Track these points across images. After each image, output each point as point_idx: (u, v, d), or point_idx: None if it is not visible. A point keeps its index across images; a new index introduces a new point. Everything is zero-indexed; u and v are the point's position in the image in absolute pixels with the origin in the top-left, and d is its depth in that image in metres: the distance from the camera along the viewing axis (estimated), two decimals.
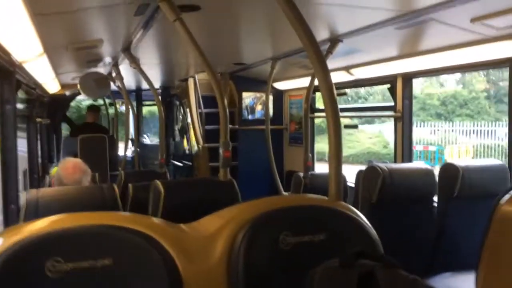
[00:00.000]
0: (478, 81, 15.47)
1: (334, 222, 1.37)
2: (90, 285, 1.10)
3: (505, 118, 11.84)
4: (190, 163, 6.09)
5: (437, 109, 15.65)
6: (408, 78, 3.46)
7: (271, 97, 5.27)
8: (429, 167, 2.61)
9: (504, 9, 2.09)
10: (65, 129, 8.08)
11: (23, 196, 1.88)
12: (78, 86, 4.78)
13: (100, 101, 7.92)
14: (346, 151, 13.45)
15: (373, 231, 1.39)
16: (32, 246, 1.07)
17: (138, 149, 6.59)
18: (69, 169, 2.46)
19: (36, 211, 1.82)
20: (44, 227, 1.13)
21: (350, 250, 1.03)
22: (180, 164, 6.55)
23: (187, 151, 6.52)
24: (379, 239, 1.38)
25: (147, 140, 8.73)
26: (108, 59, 4.09)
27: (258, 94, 5.46)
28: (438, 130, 14.60)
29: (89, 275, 1.09)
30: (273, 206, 1.36)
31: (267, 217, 1.30)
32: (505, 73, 2.93)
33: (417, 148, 12.52)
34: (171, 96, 6.77)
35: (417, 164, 2.73)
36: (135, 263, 1.13)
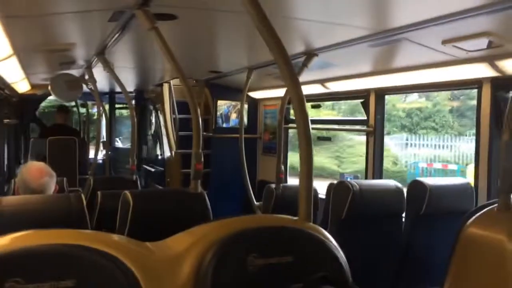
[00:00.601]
0: (441, 96, 15.68)
1: (302, 244, 1.36)
2: None
3: (468, 132, 12.12)
4: (162, 169, 6.02)
5: (402, 120, 15.73)
6: (381, 94, 3.51)
7: (246, 106, 5.27)
8: (398, 184, 2.65)
9: (474, 33, 2.15)
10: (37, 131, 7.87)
11: None
12: (49, 88, 4.66)
13: (72, 102, 7.75)
14: (350, 167, 12.73)
15: (341, 255, 1.39)
16: None
17: (110, 153, 6.47)
18: (34, 173, 2.37)
19: None
20: (4, 246, 1.08)
21: (315, 275, 1.03)
22: (152, 170, 6.46)
23: (159, 156, 6.45)
24: (347, 263, 1.38)
25: (119, 143, 8.59)
26: (81, 62, 4.01)
27: (233, 103, 5.45)
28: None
29: None
30: (242, 226, 1.34)
31: (236, 238, 1.29)
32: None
33: (434, 165, 11.98)
34: (145, 100, 6.69)
35: (386, 181, 2.76)
36: (99, 284, 1.10)
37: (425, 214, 2.56)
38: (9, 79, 4.07)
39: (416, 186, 2.59)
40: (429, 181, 2.58)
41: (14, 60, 3.08)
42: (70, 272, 1.08)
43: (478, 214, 1.65)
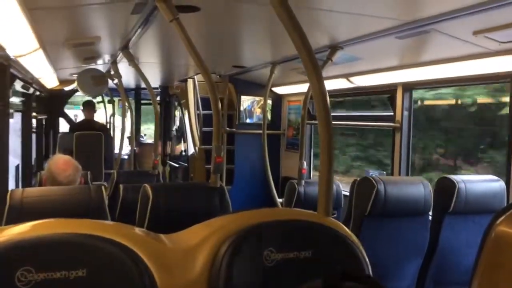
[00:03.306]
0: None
1: (321, 239, 1.32)
2: None
3: None
4: (186, 164, 6.05)
5: None
6: (408, 88, 3.42)
7: (269, 102, 5.23)
8: (425, 181, 2.56)
9: (508, 23, 2.05)
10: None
11: (7, 196, 1.83)
12: (76, 83, 4.73)
13: (99, 98, 7.88)
14: None
15: (362, 251, 1.34)
16: (2, 254, 1.02)
17: (135, 148, 6.55)
18: (61, 165, 2.41)
19: (20, 212, 1.78)
20: (18, 234, 1.08)
21: (335, 271, 0.98)
22: (176, 165, 6.50)
23: (183, 152, 6.48)
24: (367, 260, 1.33)
25: (144, 139, 8.68)
26: (106, 57, 4.05)
27: (257, 98, 5.42)
28: None
29: (62, 286, 1.04)
30: (259, 219, 1.30)
31: (252, 231, 1.25)
32: None
33: None
34: (170, 96, 6.73)
35: (412, 177, 2.68)
36: (111, 275, 1.08)
37: (454, 212, 2.47)
38: (36, 73, 4.14)
39: (444, 183, 2.50)
40: (458, 178, 2.49)
41: (40, 54, 3.12)
42: (82, 262, 1.06)
43: (509, 212, 1.57)
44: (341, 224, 1.41)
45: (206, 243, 1.22)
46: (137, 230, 1.24)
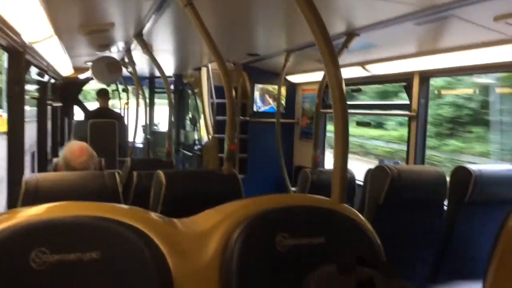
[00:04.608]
0: None
1: (335, 225, 1.30)
2: (76, 278, 1.05)
3: None
4: (199, 153, 6.06)
5: None
6: (425, 76, 3.36)
7: (283, 90, 5.20)
8: (440, 170, 2.52)
9: None
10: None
11: (23, 181, 1.85)
12: (90, 70, 4.75)
13: (113, 86, 7.91)
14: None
15: (375, 237, 1.32)
16: (16, 235, 1.03)
17: (149, 137, 6.58)
18: (76, 151, 2.43)
19: (35, 196, 1.79)
20: (33, 216, 1.08)
21: (349, 256, 0.96)
22: (190, 154, 6.52)
23: (196, 141, 6.49)
24: (381, 245, 1.31)
25: (158, 127, 8.72)
26: (121, 44, 4.05)
27: (270, 87, 5.39)
28: None
29: (75, 268, 1.04)
30: (272, 205, 1.29)
31: (265, 216, 1.24)
32: None
33: None
34: (183, 85, 6.73)
35: (428, 166, 2.63)
36: (124, 258, 1.08)
37: (469, 202, 2.43)
38: (51, 60, 4.17)
39: (460, 172, 2.45)
40: (474, 167, 2.44)
41: (55, 41, 3.14)
42: (96, 244, 1.07)
43: None
44: (355, 211, 1.39)
45: (219, 228, 1.22)
46: (151, 214, 1.24)
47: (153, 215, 1.24)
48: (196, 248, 1.18)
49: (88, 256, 1.05)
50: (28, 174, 1.95)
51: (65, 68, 5.18)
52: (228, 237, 1.19)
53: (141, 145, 7.22)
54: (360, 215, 1.37)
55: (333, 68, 1.48)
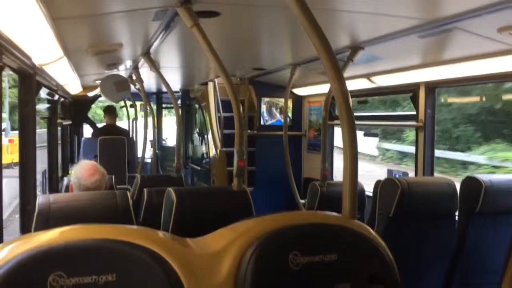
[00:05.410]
0: None
1: (347, 242, 1.31)
2: None
3: None
4: (207, 167, 6.09)
5: None
6: (431, 87, 3.37)
7: (289, 103, 5.23)
8: (450, 180, 2.52)
9: None
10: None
11: (36, 202, 1.88)
12: (99, 88, 4.81)
13: (121, 103, 7.99)
14: None
15: (388, 254, 1.32)
16: (35, 259, 1.05)
17: (157, 151, 6.62)
18: (88, 171, 2.46)
19: (47, 217, 1.82)
20: (49, 240, 1.11)
21: (363, 274, 0.97)
22: (198, 168, 6.55)
23: (205, 155, 6.52)
24: (394, 262, 1.32)
25: (166, 142, 8.77)
26: (128, 62, 4.11)
27: (276, 100, 5.43)
28: None
29: None
30: (283, 223, 1.31)
31: (277, 235, 1.26)
32: None
33: None
34: (190, 99, 6.79)
35: (437, 177, 2.63)
36: (139, 279, 1.10)
37: (480, 213, 2.42)
38: (61, 80, 4.23)
39: (470, 183, 2.45)
40: (485, 177, 2.43)
41: (65, 62, 3.20)
42: (111, 267, 1.09)
43: None
44: (367, 226, 1.40)
45: (231, 248, 1.23)
46: (164, 234, 1.26)
47: (166, 235, 1.26)
48: (210, 268, 1.19)
49: (104, 278, 1.07)
50: (41, 195, 1.98)
51: (74, 87, 5.25)
52: (241, 256, 1.21)
53: (149, 160, 7.27)
54: (371, 230, 1.38)
55: (338, 82, 1.48)
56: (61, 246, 1.08)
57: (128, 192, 2.05)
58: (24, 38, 2.26)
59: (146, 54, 3.40)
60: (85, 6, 2.12)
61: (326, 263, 1.24)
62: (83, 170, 2.47)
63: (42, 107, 4.86)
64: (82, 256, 1.09)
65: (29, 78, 2.92)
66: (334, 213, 1.44)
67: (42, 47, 2.60)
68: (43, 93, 4.47)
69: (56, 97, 4.80)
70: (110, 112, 6.49)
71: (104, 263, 1.09)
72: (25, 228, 2.91)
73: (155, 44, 3.07)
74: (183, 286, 1.12)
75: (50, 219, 1.83)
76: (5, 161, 3.44)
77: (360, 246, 1.31)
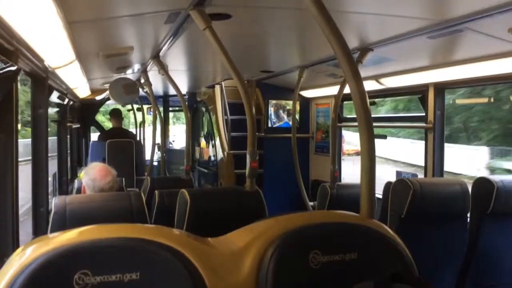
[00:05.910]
0: None
1: (366, 241, 1.32)
2: None
3: None
4: (215, 170, 6.11)
5: None
6: (440, 88, 3.37)
7: (297, 106, 5.24)
8: (462, 182, 2.52)
9: None
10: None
11: (52, 203, 1.90)
12: (108, 92, 4.85)
13: (128, 106, 8.03)
14: None
15: (407, 252, 1.33)
16: (60, 258, 1.07)
17: (165, 154, 6.64)
18: (101, 172, 2.49)
19: (64, 218, 1.84)
20: (72, 239, 1.12)
21: (385, 273, 0.98)
22: (205, 171, 6.57)
23: (212, 158, 6.54)
24: (413, 261, 1.32)
25: (172, 145, 8.80)
26: (137, 66, 4.14)
27: (283, 102, 5.45)
28: None
29: None
30: (303, 222, 1.32)
31: (297, 234, 1.27)
32: None
33: None
34: (197, 102, 6.82)
35: (449, 178, 2.63)
36: (162, 277, 1.11)
37: (493, 214, 2.42)
38: (71, 84, 4.27)
39: (482, 184, 2.45)
40: (497, 178, 2.44)
41: (76, 65, 3.22)
42: (135, 265, 1.10)
43: None
44: (385, 226, 1.40)
45: (252, 247, 1.24)
46: (184, 233, 1.28)
47: (187, 234, 1.28)
48: (231, 267, 1.21)
49: (128, 277, 1.09)
50: (57, 196, 2.00)
51: (82, 90, 5.29)
52: (262, 255, 1.22)
53: (155, 163, 7.30)
54: (390, 230, 1.39)
55: (355, 82, 1.48)
56: (85, 245, 1.10)
57: (141, 192, 2.07)
58: (39, 42, 2.28)
59: (156, 57, 3.43)
60: (101, 10, 2.14)
61: (347, 261, 1.25)
62: (96, 172, 2.50)
63: (51, 110, 4.89)
64: (108, 255, 1.10)
65: (42, 82, 2.95)
66: (352, 213, 1.45)
67: (56, 51, 2.63)
68: (53, 96, 4.51)
69: (66, 100, 4.84)
70: (116, 115, 6.51)
71: (128, 261, 1.10)
72: (38, 230, 2.94)
73: (165, 47, 3.09)
74: (205, 284, 1.13)
75: (66, 220, 1.85)
76: None
77: (380, 245, 1.32)
